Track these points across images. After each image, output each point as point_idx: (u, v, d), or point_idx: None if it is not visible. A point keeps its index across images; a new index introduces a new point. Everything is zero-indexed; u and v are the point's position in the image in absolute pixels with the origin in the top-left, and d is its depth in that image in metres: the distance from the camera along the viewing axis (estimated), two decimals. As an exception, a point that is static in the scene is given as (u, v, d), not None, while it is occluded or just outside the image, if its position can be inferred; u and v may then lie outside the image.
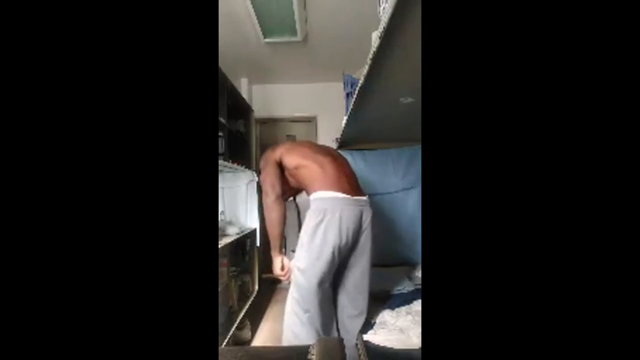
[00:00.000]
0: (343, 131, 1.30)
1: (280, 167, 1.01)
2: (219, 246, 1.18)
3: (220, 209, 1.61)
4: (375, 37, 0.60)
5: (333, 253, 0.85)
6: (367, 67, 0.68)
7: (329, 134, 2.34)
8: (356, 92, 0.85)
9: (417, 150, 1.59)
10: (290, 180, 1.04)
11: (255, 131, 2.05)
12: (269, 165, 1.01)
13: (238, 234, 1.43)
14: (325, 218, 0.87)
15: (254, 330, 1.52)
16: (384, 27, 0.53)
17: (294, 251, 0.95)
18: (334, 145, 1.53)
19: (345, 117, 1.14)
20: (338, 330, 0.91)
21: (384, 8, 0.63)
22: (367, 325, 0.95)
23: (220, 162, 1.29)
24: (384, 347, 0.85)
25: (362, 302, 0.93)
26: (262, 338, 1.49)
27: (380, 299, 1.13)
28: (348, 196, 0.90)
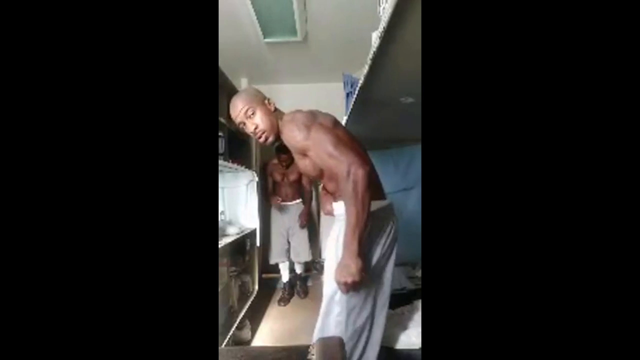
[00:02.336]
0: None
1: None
2: (219, 246, 1.17)
3: (220, 209, 1.61)
4: (375, 37, 0.60)
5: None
6: (367, 67, 0.68)
7: (329, 134, 2.32)
8: (356, 92, 0.85)
9: (417, 150, 1.59)
10: (314, 171, 0.75)
11: (255, 131, 2.04)
12: (333, 129, 0.71)
13: (238, 233, 1.42)
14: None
15: (254, 331, 1.51)
16: (384, 27, 0.53)
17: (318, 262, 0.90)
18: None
19: (346, 117, 1.14)
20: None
21: (384, 8, 0.63)
22: None
23: (220, 162, 1.29)
24: (383, 347, 0.85)
25: None
26: (262, 338, 1.48)
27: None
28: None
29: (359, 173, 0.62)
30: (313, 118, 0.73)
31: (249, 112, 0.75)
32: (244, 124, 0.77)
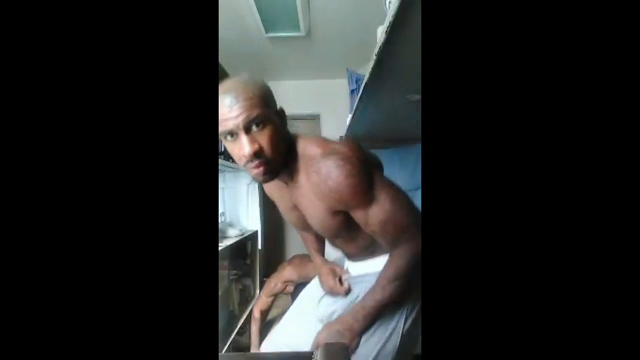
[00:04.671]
0: (348, 129, 1.28)
1: None
2: (219, 249, 1.16)
3: (221, 210, 1.59)
4: (381, 32, 0.59)
5: None
6: (372, 63, 0.66)
7: (333, 132, 2.32)
8: (361, 89, 0.84)
9: (424, 149, 1.56)
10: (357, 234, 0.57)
11: (257, 129, 2.03)
12: (397, 189, 0.56)
13: (239, 236, 1.41)
14: None
15: (255, 336, 1.50)
16: (390, 22, 0.51)
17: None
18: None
19: (350, 115, 1.13)
20: None
21: (390, 1, 0.61)
22: None
23: (221, 161, 1.27)
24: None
25: None
26: (263, 344, 1.47)
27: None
28: None
29: (416, 261, 0.50)
30: (365, 161, 0.49)
31: (257, 120, 0.45)
32: (234, 135, 0.45)
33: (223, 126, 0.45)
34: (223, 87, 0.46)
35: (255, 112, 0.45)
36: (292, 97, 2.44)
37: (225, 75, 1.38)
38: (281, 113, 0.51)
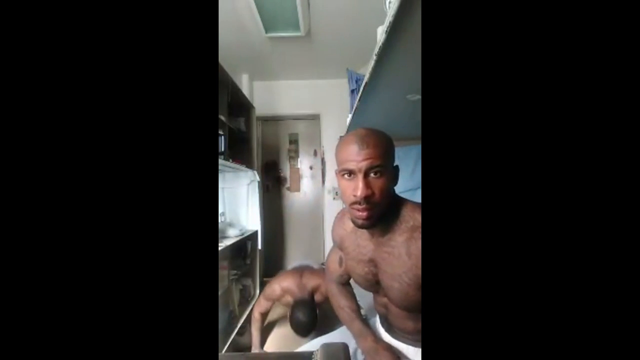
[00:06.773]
0: (348, 129, 1.28)
1: None
2: (219, 249, 1.16)
3: (221, 210, 1.60)
4: (381, 32, 0.58)
5: None
6: (372, 63, 0.66)
7: (333, 132, 2.32)
8: (361, 89, 0.84)
9: (423, 148, 1.55)
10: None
11: (256, 129, 2.03)
12: None
13: (238, 235, 1.41)
14: None
15: (255, 336, 1.50)
16: (390, 22, 0.51)
17: None
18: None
19: (350, 115, 1.13)
20: None
21: (390, 2, 0.61)
22: None
23: (221, 161, 1.28)
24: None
25: None
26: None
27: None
28: None
29: None
30: None
31: (377, 169, 0.48)
32: (352, 174, 0.49)
33: (346, 165, 0.49)
34: (356, 132, 0.50)
35: (377, 161, 0.48)
36: (292, 97, 2.45)
37: (226, 75, 1.38)
38: (396, 169, 0.54)
